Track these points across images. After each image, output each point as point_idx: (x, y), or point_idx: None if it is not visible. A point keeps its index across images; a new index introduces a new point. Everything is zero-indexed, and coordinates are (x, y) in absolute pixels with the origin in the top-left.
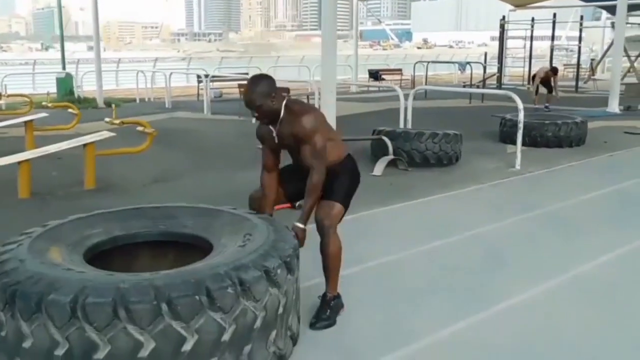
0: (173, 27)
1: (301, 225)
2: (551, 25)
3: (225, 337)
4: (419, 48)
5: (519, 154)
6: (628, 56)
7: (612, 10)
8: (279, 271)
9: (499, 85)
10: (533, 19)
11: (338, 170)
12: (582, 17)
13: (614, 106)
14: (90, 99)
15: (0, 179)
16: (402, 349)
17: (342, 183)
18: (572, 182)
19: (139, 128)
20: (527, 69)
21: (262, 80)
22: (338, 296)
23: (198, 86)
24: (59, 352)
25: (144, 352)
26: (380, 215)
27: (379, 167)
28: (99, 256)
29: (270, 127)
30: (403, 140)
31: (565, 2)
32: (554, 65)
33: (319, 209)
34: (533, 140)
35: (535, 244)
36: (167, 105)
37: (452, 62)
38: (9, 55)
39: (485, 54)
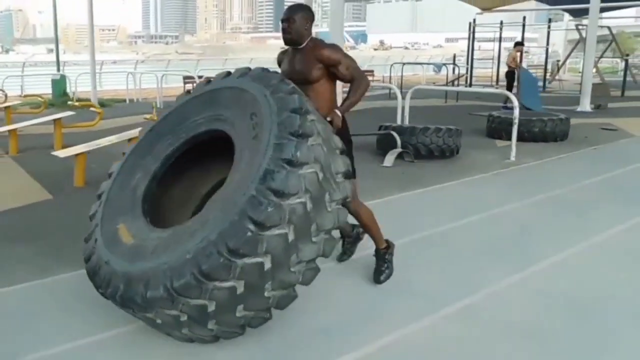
0: (130, 30)
1: (339, 113)
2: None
3: (290, 237)
4: (375, 49)
5: (514, 147)
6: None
7: (575, 13)
8: (298, 154)
9: (469, 86)
10: (502, 22)
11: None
12: (550, 20)
13: (586, 104)
14: (84, 99)
15: (51, 171)
16: (468, 298)
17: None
18: (567, 171)
19: None
20: (495, 70)
21: (307, 8)
22: (387, 245)
23: (184, 86)
24: (183, 318)
25: (240, 290)
26: (405, 199)
27: (389, 159)
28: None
29: (290, 52)
30: (409, 134)
31: (529, 6)
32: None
33: None
34: (520, 135)
35: (555, 218)
36: (159, 105)
37: (430, 64)
38: None
39: (454, 56)
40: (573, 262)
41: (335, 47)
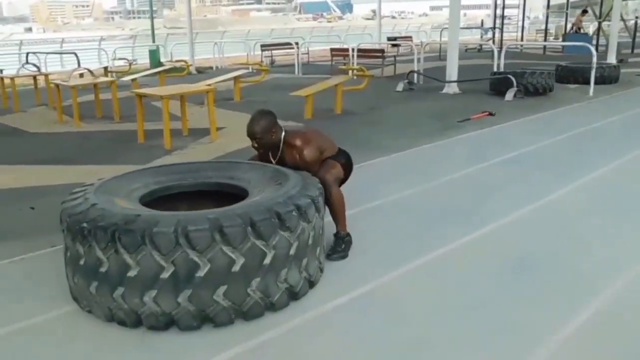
0: (105, 5)
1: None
2: None
3: (292, 251)
4: (367, 19)
5: (592, 86)
6: (597, 17)
7: None
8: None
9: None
10: None
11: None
12: None
13: (612, 59)
14: (180, 67)
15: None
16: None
17: (340, 158)
18: (633, 100)
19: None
20: (519, 34)
21: (265, 116)
22: (348, 234)
23: (262, 54)
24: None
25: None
26: (535, 120)
27: (509, 95)
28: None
29: (269, 154)
30: (520, 77)
31: None
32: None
33: (321, 168)
34: (585, 79)
35: (635, 128)
36: (250, 70)
37: (476, 28)
38: None
39: (482, 21)
40: None
41: (309, 156)
